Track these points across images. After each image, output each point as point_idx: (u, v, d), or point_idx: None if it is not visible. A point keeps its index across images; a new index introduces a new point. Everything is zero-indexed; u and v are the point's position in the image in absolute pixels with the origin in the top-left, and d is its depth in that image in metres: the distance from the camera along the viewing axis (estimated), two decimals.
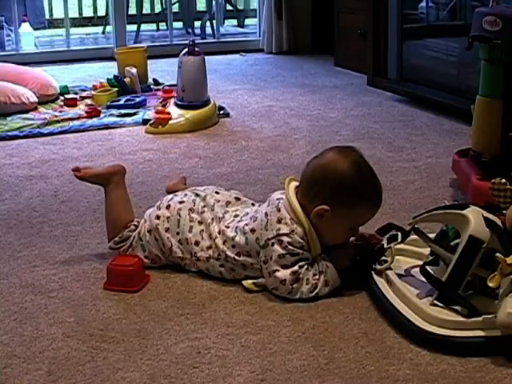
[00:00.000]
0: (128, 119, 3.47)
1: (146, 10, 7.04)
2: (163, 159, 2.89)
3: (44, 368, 1.46)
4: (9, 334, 1.59)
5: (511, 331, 1.46)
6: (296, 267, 1.72)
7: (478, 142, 2.35)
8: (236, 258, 1.78)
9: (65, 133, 3.29)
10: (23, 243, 2.09)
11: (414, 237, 1.78)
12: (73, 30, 6.23)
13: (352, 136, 3.18)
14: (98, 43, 6.30)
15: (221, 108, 3.61)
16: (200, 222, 1.86)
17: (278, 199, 1.78)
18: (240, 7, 7.27)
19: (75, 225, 2.22)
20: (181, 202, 1.91)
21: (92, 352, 1.52)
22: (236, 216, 1.85)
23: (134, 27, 6.23)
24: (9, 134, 3.25)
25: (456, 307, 1.58)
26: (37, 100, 3.69)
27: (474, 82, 2.55)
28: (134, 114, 3.56)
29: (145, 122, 3.39)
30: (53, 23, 7.04)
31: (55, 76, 4.16)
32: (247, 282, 1.78)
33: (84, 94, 3.98)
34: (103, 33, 6.74)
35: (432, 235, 1.73)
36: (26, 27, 5.31)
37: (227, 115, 3.57)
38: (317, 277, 1.72)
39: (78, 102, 3.78)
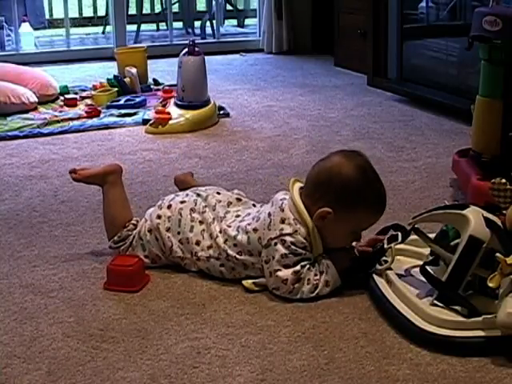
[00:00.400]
0: (128, 119, 3.47)
1: (146, 10, 7.04)
2: (163, 159, 2.89)
3: (44, 368, 1.46)
4: (9, 333, 1.59)
5: (511, 331, 1.46)
6: (298, 267, 1.72)
7: (478, 142, 2.35)
8: (237, 257, 1.78)
9: (65, 133, 3.29)
10: (23, 243, 2.09)
11: (414, 237, 1.78)
12: (73, 30, 6.24)
13: (352, 136, 3.18)
14: (98, 43, 6.30)
15: (221, 108, 3.61)
16: (201, 222, 1.86)
17: (281, 200, 1.78)
18: (240, 7, 7.27)
19: (75, 225, 2.22)
20: (182, 202, 1.91)
21: (92, 352, 1.52)
22: (237, 216, 1.86)
23: (134, 27, 6.23)
24: (9, 134, 3.25)
25: (456, 307, 1.58)
26: (37, 100, 3.69)
27: (474, 82, 2.55)
28: (134, 113, 3.56)
29: (145, 121, 3.39)
30: (53, 23, 7.05)
31: (55, 76, 4.16)
32: (247, 282, 1.78)
33: (84, 93, 3.98)
34: (103, 33, 6.74)
35: (432, 235, 1.73)
36: (25, 27, 5.31)
37: (227, 115, 3.57)
38: (318, 277, 1.72)
39: (78, 102, 3.78)
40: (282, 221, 1.74)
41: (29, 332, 1.60)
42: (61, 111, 3.64)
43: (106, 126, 3.38)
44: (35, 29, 5.69)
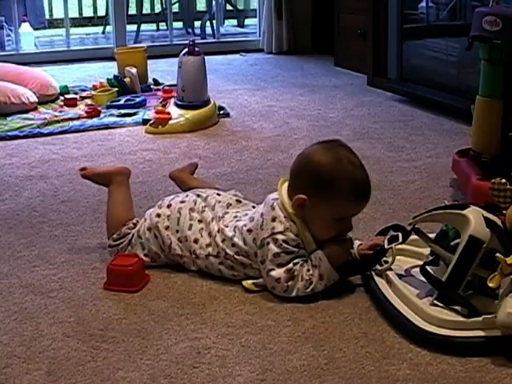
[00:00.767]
0: (128, 119, 3.47)
1: (146, 10, 7.04)
2: (163, 159, 2.89)
3: (44, 368, 1.46)
4: (9, 333, 1.59)
5: (511, 331, 1.46)
6: (290, 265, 1.72)
7: (478, 142, 2.35)
8: (235, 256, 1.79)
9: (65, 133, 3.29)
10: (23, 243, 2.09)
11: (414, 237, 1.78)
12: (73, 30, 6.24)
13: (352, 136, 3.18)
14: (98, 43, 6.31)
15: (221, 108, 3.61)
16: (200, 221, 1.87)
17: (273, 199, 1.79)
18: (240, 7, 7.27)
19: (75, 225, 2.22)
20: (182, 202, 1.92)
21: (92, 352, 1.52)
22: (236, 217, 1.86)
23: (134, 27, 6.23)
24: (9, 134, 3.25)
25: (456, 307, 1.58)
26: (37, 100, 3.69)
27: (474, 82, 2.55)
28: (134, 113, 3.56)
29: (145, 121, 3.39)
30: (53, 23, 7.05)
31: (55, 76, 4.16)
32: (247, 283, 1.78)
33: (84, 93, 3.98)
34: (103, 33, 6.74)
35: (432, 235, 1.73)
36: (25, 27, 5.31)
37: (227, 115, 3.57)
38: (311, 272, 1.72)
39: (78, 102, 3.78)
40: (273, 219, 1.74)
41: (29, 332, 1.60)
42: (61, 111, 3.64)
43: (106, 126, 3.38)
44: (35, 29, 5.69)
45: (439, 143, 3.05)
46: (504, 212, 1.69)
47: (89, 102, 3.79)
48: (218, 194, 1.96)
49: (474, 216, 1.59)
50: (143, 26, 6.61)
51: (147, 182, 2.60)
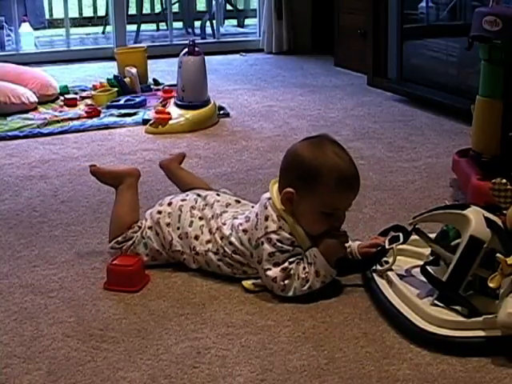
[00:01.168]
0: (128, 119, 3.47)
1: (146, 10, 7.05)
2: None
3: (44, 368, 1.46)
4: (9, 333, 1.59)
5: (511, 331, 1.46)
6: (286, 264, 1.72)
7: (478, 142, 2.35)
8: (233, 255, 1.79)
9: (65, 133, 3.29)
10: (23, 243, 2.09)
11: (414, 237, 1.78)
12: (73, 30, 6.24)
13: (352, 136, 3.18)
14: (98, 43, 6.31)
15: (221, 108, 3.61)
16: (201, 218, 1.87)
17: (266, 198, 1.79)
18: (240, 7, 7.28)
19: (75, 225, 2.22)
20: (183, 200, 1.94)
21: (92, 352, 1.52)
22: (234, 216, 1.86)
23: (134, 27, 6.24)
24: (9, 134, 3.24)
25: (456, 307, 1.58)
26: (37, 100, 3.69)
27: (474, 82, 2.55)
28: (134, 113, 3.56)
29: (145, 122, 3.39)
30: (53, 23, 7.05)
31: (55, 76, 4.17)
32: (247, 283, 1.78)
33: (84, 93, 3.98)
34: (103, 33, 6.75)
35: (432, 235, 1.73)
36: (25, 27, 5.31)
37: (227, 115, 3.57)
38: (307, 270, 1.71)
39: (78, 102, 3.78)
40: (266, 218, 1.74)
41: (29, 332, 1.60)
42: (61, 111, 3.64)
43: (106, 126, 3.38)
44: (35, 29, 5.69)
45: (439, 143, 3.05)
46: (504, 212, 1.68)
47: (89, 101, 3.79)
48: (218, 195, 1.97)
49: (475, 216, 1.59)
50: (143, 26, 6.61)
51: (147, 182, 2.59)
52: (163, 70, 4.62)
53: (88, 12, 7.38)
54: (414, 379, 1.42)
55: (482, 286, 1.58)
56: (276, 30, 5.33)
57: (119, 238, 1.93)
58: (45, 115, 3.54)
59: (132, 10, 6.57)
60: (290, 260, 1.73)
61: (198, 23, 6.69)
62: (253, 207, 1.93)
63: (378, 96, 3.94)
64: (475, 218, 1.59)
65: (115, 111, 3.58)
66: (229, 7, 7.14)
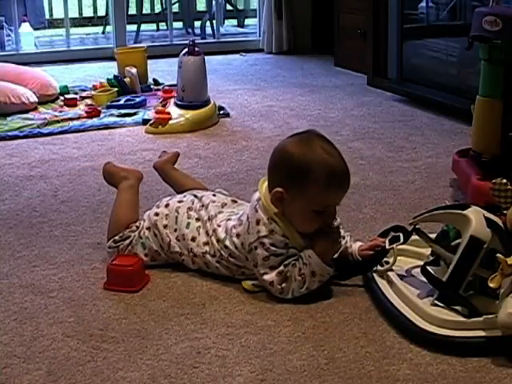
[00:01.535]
0: (128, 119, 3.47)
1: (146, 9, 7.04)
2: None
3: (44, 368, 1.46)
4: (9, 333, 1.59)
5: (511, 331, 1.46)
6: (281, 267, 1.71)
7: (478, 142, 2.35)
8: (229, 258, 1.79)
9: (65, 133, 3.29)
10: (23, 243, 2.09)
11: (414, 237, 1.78)
12: (73, 30, 6.24)
13: (352, 136, 3.18)
14: (98, 43, 6.31)
15: (221, 108, 3.61)
16: (197, 219, 1.87)
17: (256, 200, 1.76)
18: (240, 7, 7.27)
19: (75, 225, 2.22)
20: (180, 201, 1.93)
21: (92, 352, 1.52)
22: (229, 217, 1.85)
23: (134, 27, 6.24)
24: (9, 134, 3.24)
25: (456, 307, 1.58)
26: (37, 100, 3.69)
27: (474, 82, 2.55)
28: (134, 113, 3.55)
29: (145, 121, 3.39)
30: (53, 23, 7.05)
31: (55, 76, 4.16)
32: (247, 284, 1.78)
33: (84, 93, 3.98)
34: (103, 33, 6.75)
35: (433, 235, 1.73)
36: (25, 27, 5.31)
37: (227, 115, 3.57)
38: (302, 271, 1.70)
39: (78, 102, 3.78)
40: (257, 222, 1.72)
41: (29, 332, 1.60)
42: (61, 111, 3.64)
43: (106, 126, 3.38)
44: (35, 29, 5.69)
45: (439, 143, 3.05)
46: (505, 212, 1.68)
47: (89, 101, 3.79)
48: (214, 195, 1.96)
49: (475, 216, 1.59)
50: (143, 26, 6.61)
51: (147, 182, 2.59)
52: (163, 70, 4.62)
53: (88, 12, 7.38)
54: (414, 379, 1.42)
55: (482, 286, 1.58)
56: (276, 30, 5.33)
57: (116, 237, 1.93)
58: (45, 115, 3.53)
59: (132, 10, 6.57)
60: (285, 263, 1.71)
61: (198, 23, 6.69)
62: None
63: (377, 96, 3.94)
64: (475, 218, 1.59)
65: (115, 111, 3.58)
66: (229, 7, 7.14)
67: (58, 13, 6.80)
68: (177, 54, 3.54)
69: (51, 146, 3.09)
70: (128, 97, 3.77)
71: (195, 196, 1.94)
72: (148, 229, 1.90)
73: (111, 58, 4.63)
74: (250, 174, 2.68)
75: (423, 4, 4.07)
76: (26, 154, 2.99)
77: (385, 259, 1.75)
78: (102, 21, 6.84)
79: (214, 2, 6.32)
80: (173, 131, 3.26)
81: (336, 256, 1.84)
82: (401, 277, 1.73)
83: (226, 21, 6.94)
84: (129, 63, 4.05)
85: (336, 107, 3.73)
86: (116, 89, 3.86)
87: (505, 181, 1.84)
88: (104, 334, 1.59)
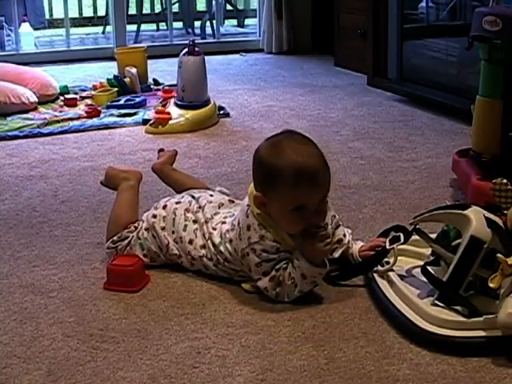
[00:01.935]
0: (128, 119, 3.47)
1: (146, 9, 7.04)
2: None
3: (44, 368, 1.46)
4: (9, 333, 1.59)
5: (511, 331, 1.46)
6: (273, 272, 1.70)
7: (478, 142, 2.35)
8: (225, 263, 1.79)
9: (65, 133, 3.29)
10: (23, 243, 2.09)
11: (415, 237, 1.77)
12: (73, 30, 6.24)
13: (352, 136, 3.18)
14: (98, 43, 6.31)
15: (221, 108, 3.61)
16: (195, 221, 1.86)
17: (247, 205, 1.75)
18: (240, 7, 7.27)
19: (75, 225, 2.22)
20: (177, 203, 1.92)
21: (92, 352, 1.52)
22: (225, 218, 1.84)
23: (134, 27, 6.23)
24: (9, 134, 3.24)
25: (457, 307, 1.58)
26: (37, 100, 3.69)
27: (474, 82, 2.55)
28: (134, 113, 3.56)
29: (145, 122, 3.39)
30: (53, 23, 7.05)
31: (55, 76, 4.16)
32: (246, 285, 1.77)
33: (84, 93, 3.98)
34: (103, 33, 6.74)
35: (433, 235, 1.73)
36: (25, 27, 5.31)
37: (227, 115, 3.57)
38: (292, 275, 1.68)
39: (78, 102, 3.78)
40: (248, 228, 1.71)
41: (29, 332, 1.60)
42: (61, 111, 3.64)
43: (106, 126, 3.38)
44: (35, 29, 5.69)
45: (439, 143, 3.05)
46: (505, 212, 1.68)
47: (89, 101, 3.79)
48: (211, 195, 1.95)
49: (475, 216, 1.59)
50: (143, 26, 6.61)
51: (147, 182, 2.59)
52: (163, 70, 4.62)
53: (88, 12, 7.37)
54: (414, 379, 1.42)
55: (482, 286, 1.58)
56: (276, 30, 5.33)
57: (115, 238, 1.93)
58: (45, 115, 3.53)
59: (132, 10, 6.57)
60: (277, 267, 1.70)
61: (198, 23, 6.69)
62: None
63: (377, 96, 3.94)
64: (476, 218, 1.59)
65: (115, 111, 3.58)
66: (229, 7, 7.14)
67: (58, 13, 6.80)
68: (177, 54, 3.54)
69: (51, 146, 3.09)
70: (128, 97, 3.77)
71: (193, 197, 1.93)
72: (147, 230, 1.90)
73: (111, 58, 4.63)
74: (250, 174, 2.65)
75: (423, 4, 4.07)
76: (25, 153, 2.99)
77: (385, 259, 1.75)
78: (101, 21, 6.84)
79: (213, 2, 6.32)
80: (173, 131, 3.26)
81: (337, 256, 1.84)
82: (401, 277, 1.73)
83: (225, 21, 6.94)
84: (129, 63, 4.05)
85: (336, 107, 3.73)
86: (116, 89, 3.86)
87: (505, 181, 1.84)
88: (104, 334, 1.59)
